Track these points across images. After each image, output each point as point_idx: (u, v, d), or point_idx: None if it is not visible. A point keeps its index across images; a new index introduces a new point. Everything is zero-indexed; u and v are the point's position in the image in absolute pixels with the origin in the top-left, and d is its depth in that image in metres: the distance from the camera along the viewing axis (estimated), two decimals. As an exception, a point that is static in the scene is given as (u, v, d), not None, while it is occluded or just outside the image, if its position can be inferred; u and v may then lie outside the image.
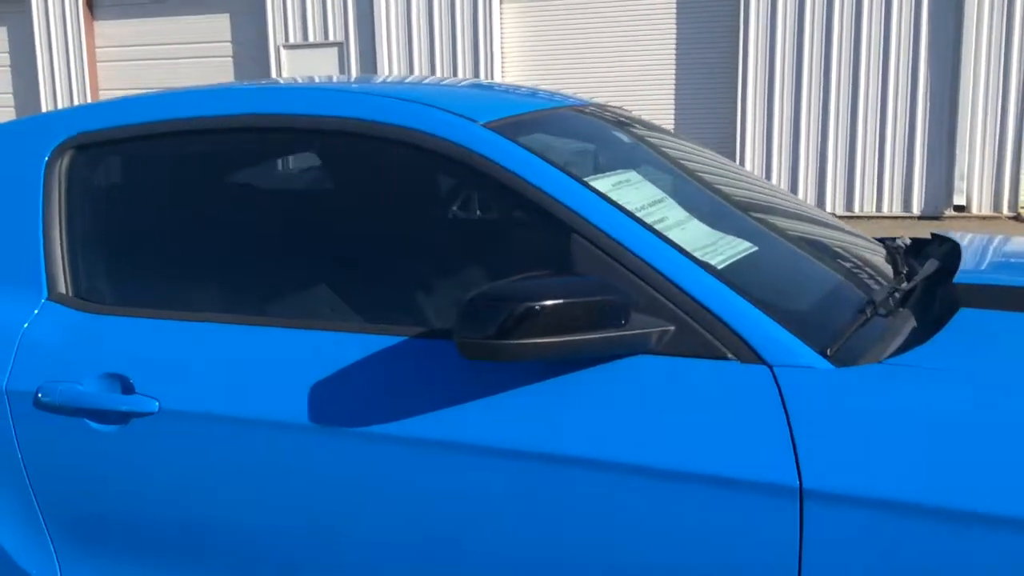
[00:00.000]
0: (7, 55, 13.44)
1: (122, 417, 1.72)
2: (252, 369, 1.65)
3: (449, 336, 1.59)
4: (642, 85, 10.50)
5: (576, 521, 1.46)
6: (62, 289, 1.87)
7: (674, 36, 10.32)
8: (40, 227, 1.89)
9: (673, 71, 10.39)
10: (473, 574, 1.55)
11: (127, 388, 1.72)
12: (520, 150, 1.67)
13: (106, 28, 13.02)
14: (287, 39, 12.16)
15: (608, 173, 1.77)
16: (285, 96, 1.83)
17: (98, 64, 13.04)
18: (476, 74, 11.36)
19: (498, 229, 2.04)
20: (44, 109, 13.12)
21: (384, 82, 2.03)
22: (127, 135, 1.89)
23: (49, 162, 1.92)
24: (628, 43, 10.54)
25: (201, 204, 1.88)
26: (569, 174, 1.64)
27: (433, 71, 11.77)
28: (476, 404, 1.52)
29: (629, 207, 1.63)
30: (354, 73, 12.07)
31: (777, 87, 9.75)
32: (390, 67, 12.02)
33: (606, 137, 2.05)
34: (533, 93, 2.20)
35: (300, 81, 2.04)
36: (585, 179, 1.66)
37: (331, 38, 12.13)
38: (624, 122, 2.21)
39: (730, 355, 1.45)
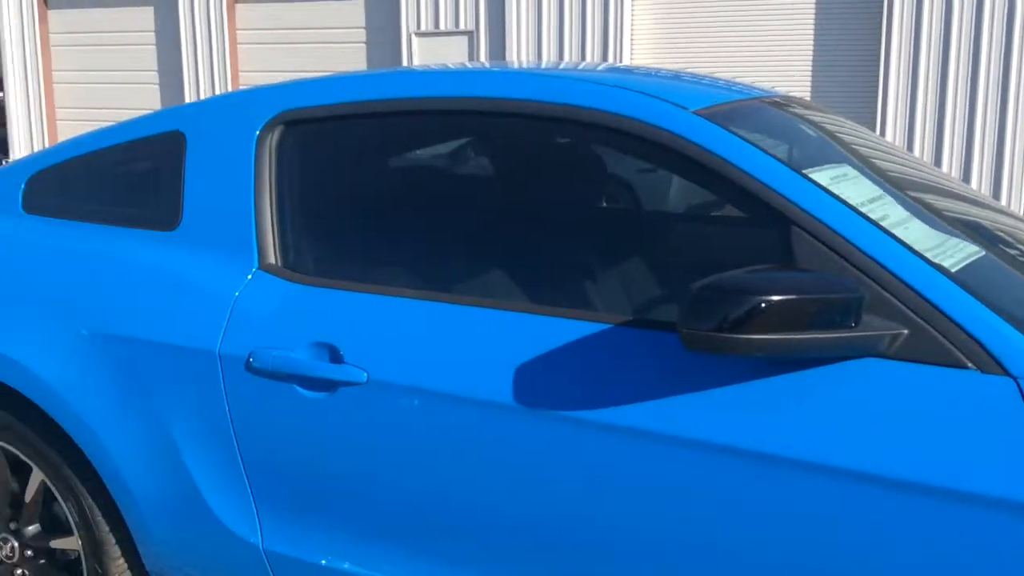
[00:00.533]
0: (153, 34, 14.02)
1: (330, 385, 1.77)
2: (461, 347, 1.67)
3: (663, 326, 1.59)
4: (776, 82, 10.28)
5: (793, 525, 1.44)
6: (271, 260, 1.93)
7: (812, 33, 10.06)
8: (252, 200, 1.96)
9: (809, 69, 10.14)
10: (675, 568, 1.54)
11: (336, 357, 1.77)
12: (736, 139, 1.65)
13: (246, 11, 13.43)
14: (419, 26, 12.33)
15: (823, 167, 1.73)
16: (506, 81, 1.84)
17: (238, 46, 13.48)
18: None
19: (710, 221, 2.03)
20: (186, 88, 13.63)
21: (573, 68, 2.04)
22: (337, 113, 1.94)
23: (260, 136, 1.99)
24: (763, 37, 10.34)
25: (408, 184, 1.92)
26: (789, 166, 1.61)
27: (562, 59, 11.76)
28: (691, 397, 1.51)
29: (851, 202, 1.59)
30: (483, 61, 12.14)
31: (920, 91, 9.41)
32: (518, 55, 12.08)
33: (807, 130, 2.01)
34: (719, 82, 2.17)
35: (496, 67, 2.06)
36: (803, 171, 1.63)
37: (462, 26, 12.25)
38: (818, 115, 2.16)
39: (969, 364, 1.40)
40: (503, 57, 12.02)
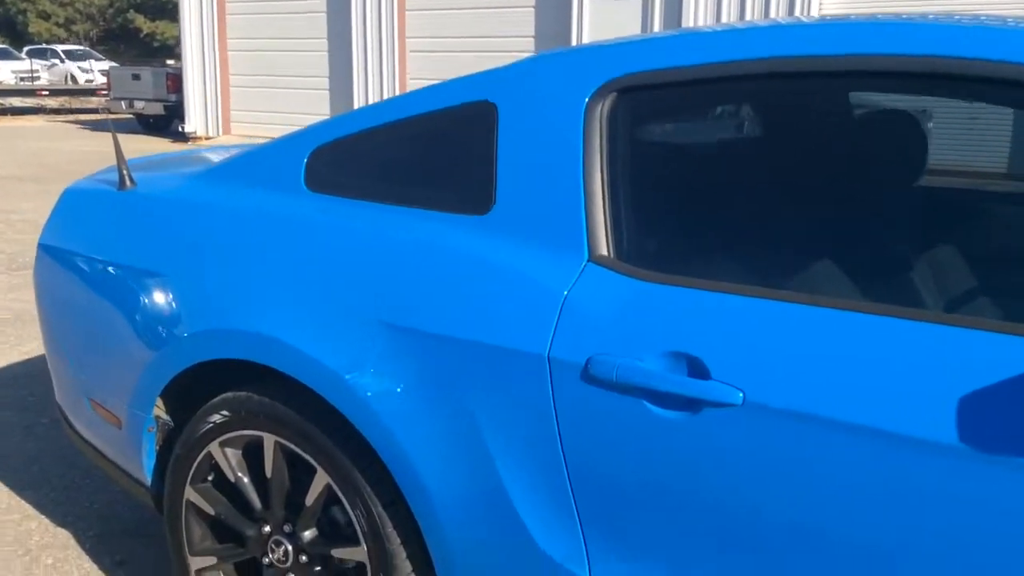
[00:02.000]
0: (323, 2, 14.13)
1: (690, 404, 1.49)
2: (876, 367, 1.36)
3: None
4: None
5: None
6: (603, 251, 1.66)
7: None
8: (580, 181, 1.69)
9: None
10: None
11: (698, 372, 1.49)
12: None
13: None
14: (591, -11, 12.01)
15: None
16: (910, 33, 1.49)
17: (407, 12, 13.42)
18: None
19: None
20: (354, 52, 13.73)
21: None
22: (686, 77, 1.65)
23: (589, 106, 1.72)
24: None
25: (781, 164, 1.61)
26: None
27: (746, 17, 11.24)
28: None
29: None
30: (658, 26, 11.72)
31: None
32: (695, 19, 11.57)
33: None
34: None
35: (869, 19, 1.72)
36: None
37: (636, -12, 11.86)
38: None
39: None
40: (679, 21, 11.53)
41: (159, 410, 2.21)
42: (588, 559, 1.64)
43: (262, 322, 1.91)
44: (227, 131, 15.97)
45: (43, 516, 3.01)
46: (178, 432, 2.25)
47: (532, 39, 12.59)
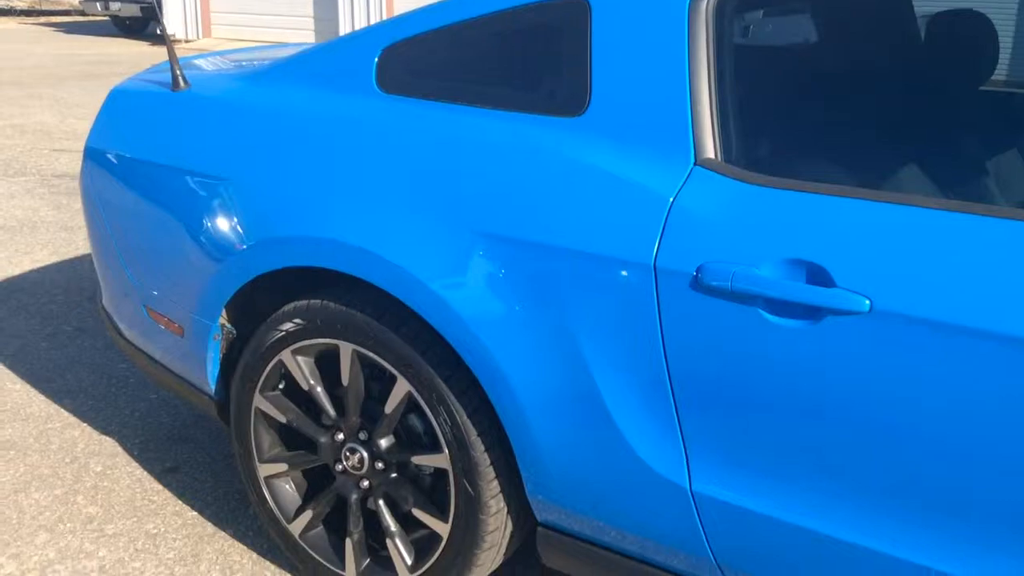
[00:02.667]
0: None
1: (811, 312, 1.47)
2: (1014, 274, 1.34)
3: None
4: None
5: None
6: (710, 154, 1.62)
7: None
8: (685, 79, 1.63)
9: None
10: None
11: (819, 279, 1.46)
12: None
13: None
14: None
15: None
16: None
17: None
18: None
19: None
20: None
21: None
22: (800, -26, 1.58)
23: (693, 1, 1.65)
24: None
25: (910, 57, 1.55)
26: None
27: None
28: None
29: None
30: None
31: None
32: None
33: None
34: None
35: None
36: None
37: None
38: None
39: None
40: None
41: (222, 319, 2.17)
42: (689, 469, 1.64)
43: (346, 230, 1.86)
44: (207, 33, 15.54)
45: (85, 424, 2.99)
46: (241, 340, 2.22)
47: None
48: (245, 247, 2.01)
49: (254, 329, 2.15)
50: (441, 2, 1.96)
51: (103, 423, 3.00)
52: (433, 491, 2.04)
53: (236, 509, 2.54)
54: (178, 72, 2.25)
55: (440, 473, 1.97)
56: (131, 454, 2.82)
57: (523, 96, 1.80)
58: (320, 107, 2.01)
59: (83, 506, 2.55)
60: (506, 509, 1.92)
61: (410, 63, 1.96)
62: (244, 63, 2.48)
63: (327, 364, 2.08)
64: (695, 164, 1.61)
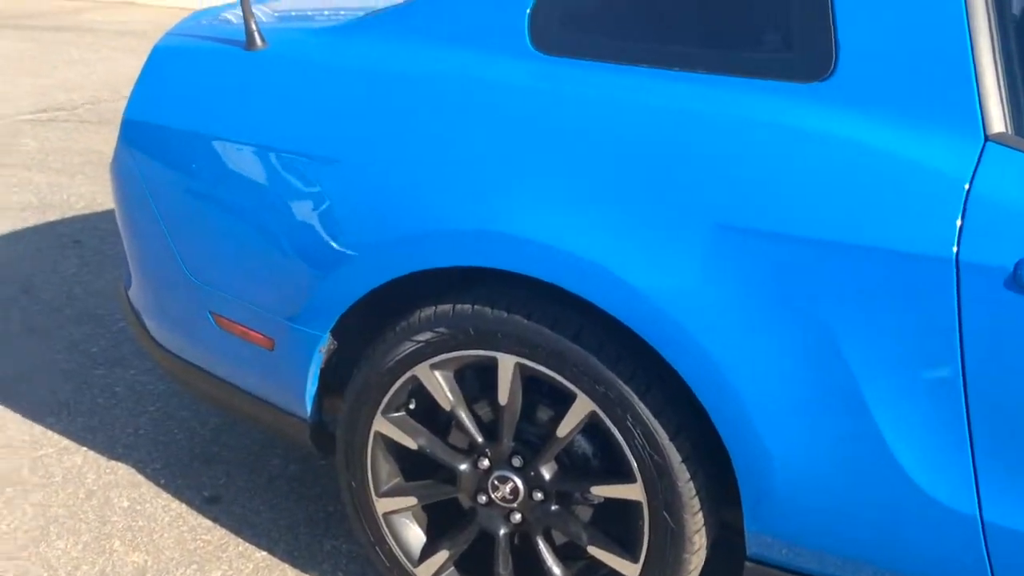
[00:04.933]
0: None
1: None
2: None
3: None
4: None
5: None
6: (1000, 126, 1.37)
7: None
8: (965, 34, 1.37)
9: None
10: None
11: None
12: None
13: None
14: None
15: None
16: None
17: None
18: None
19: None
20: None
21: None
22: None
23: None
24: None
25: None
26: None
27: None
28: None
29: None
30: None
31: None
32: None
33: None
34: None
35: None
36: None
37: None
38: None
39: None
40: None
41: (325, 328, 1.81)
42: (979, 495, 1.41)
43: (524, 224, 1.54)
44: None
45: (84, 447, 2.54)
46: (340, 353, 1.86)
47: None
48: (378, 244, 1.65)
49: (350, 339, 1.80)
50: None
51: (106, 445, 2.56)
52: (598, 524, 1.75)
53: (311, 544, 2.18)
54: (254, 28, 1.85)
55: (631, 505, 1.67)
56: (156, 482, 2.40)
57: (744, 57, 1.51)
58: (462, 72, 1.67)
59: (124, 554, 2.13)
60: (707, 543, 1.66)
61: (578, 18, 1.63)
62: (314, 14, 2.09)
63: (473, 379, 1.75)
64: (988, 140, 1.36)
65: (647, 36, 1.59)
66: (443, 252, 1.60)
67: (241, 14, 2.05)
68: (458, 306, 1.67)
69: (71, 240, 3.96)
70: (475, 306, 1.66)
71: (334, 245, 1.69)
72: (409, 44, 1.74)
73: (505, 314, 1.63)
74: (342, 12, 2.12)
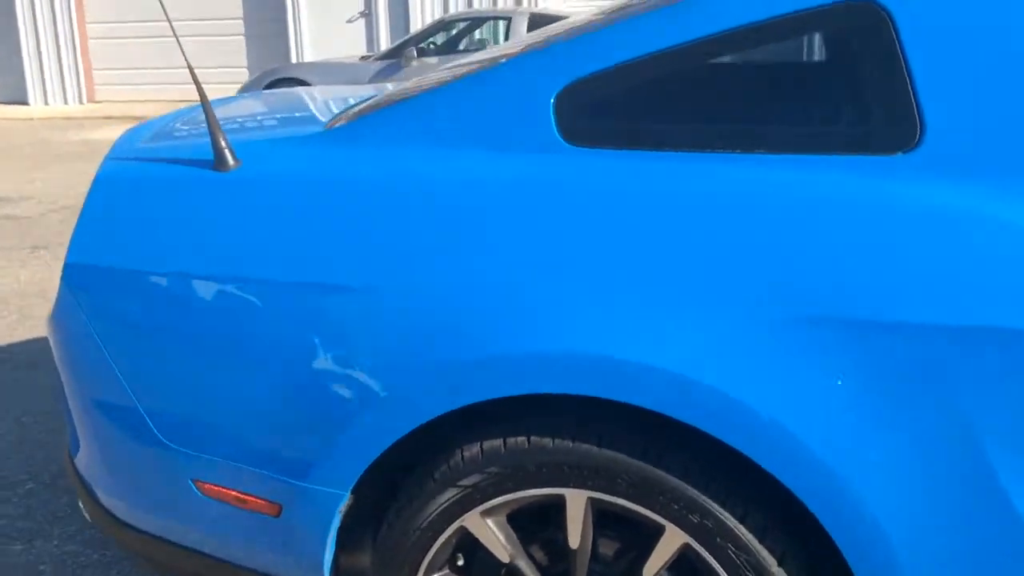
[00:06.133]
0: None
1: None
2: None
3: None
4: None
5: None
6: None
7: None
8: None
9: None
10: None
11: None
12: None
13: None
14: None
15: None
16: None
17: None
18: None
19: None
20: None
21: None
22: None
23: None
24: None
25: None
26: None
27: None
28: None
29: None
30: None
31: None
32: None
33: None
34: None
35: None
36: None
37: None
38: None
39: None
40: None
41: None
42: None
43: (595, 339, 1.33)
44: (92, 98, 13.36)
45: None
46: (361, 508, 1.59)
47: None
48: (419, 378, 1.40)
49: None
50: (620, 22, 1.47)
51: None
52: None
53: None
54: (223, 145, 1.59)
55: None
56: None
57: (809, 132, 1.37)
58: (486, 175, 1.45)
59: None
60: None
61: (612, 103, 1.45)
62: (266, 120, 1.84)
63: (528, 523, 1.51)
64: (1100, 197, 1.25)
65: (697, 119, 1.42)
66: (510, 380, 1.37)
67: (191, 129, 1.79)
68: (510, 440, 1.44)
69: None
70: (531, 438, 1.43)
71: (360, 385, 1.44)
72: (411, 151, 1.52)
73: (571, 443, 1.41)
74: (298, 115, 1.89)
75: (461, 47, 9.55)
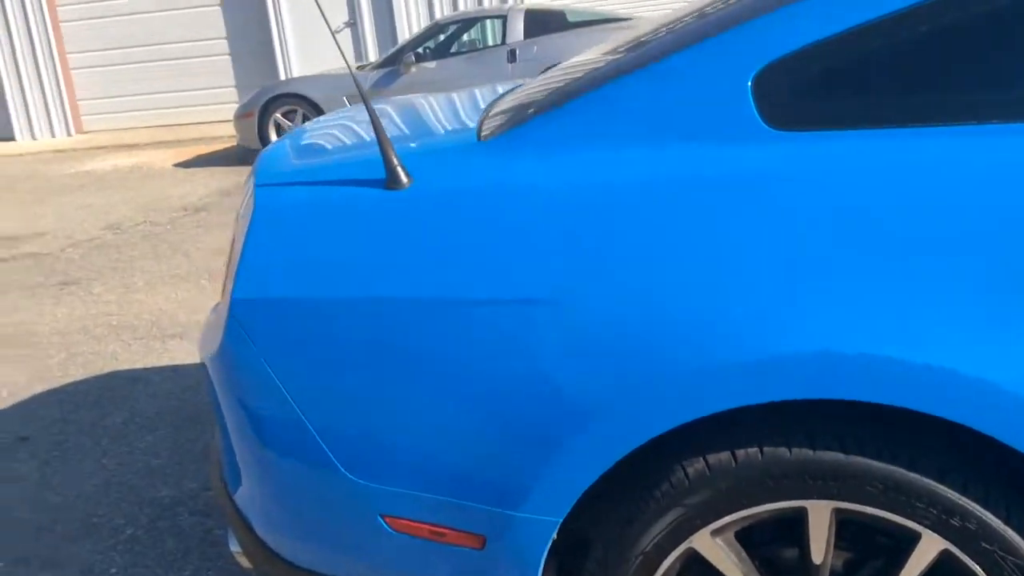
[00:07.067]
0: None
1: None
2: None
3: None
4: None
5: None
6: None
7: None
8: None
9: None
10: None
11: None
12: None
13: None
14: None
15: None
16: None
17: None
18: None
19: None
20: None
21: None
22: None
23: None
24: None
25: None
26: None
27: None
28: None
29: None
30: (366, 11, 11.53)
31: None
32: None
33: None
34: None
35: None
36: None
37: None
38: None
39: None
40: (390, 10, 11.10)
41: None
42: None
43: (853, 339, 1.23)
44: (79, 129, 13.17)
45: None
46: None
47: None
48: (655, 387, 1.31)
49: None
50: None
51: None
52: None
53: None
54: (396, 162, 1.49)
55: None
56: None
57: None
58: (684, 172, 1.35)
59: None
60: None
61: (828, 80, 1.35)
62: (411, 133, 1.74)
63: (758, 539, 1.42)
64: None
65: (929, 87, 1.32)
66: (755, 388, 1.27)
67: (337, 144, 1.70)
68: (740, 452, 1.35)
69: (15, 437, 3.36)
70: (764, 448, 1.34)
71: (574, 403, 1.34)
72: (603, 151, 1.42)
73: (811, 452, 1.32)
74: (432, 124, 1.80)
75: (452, 50, 9.46)
